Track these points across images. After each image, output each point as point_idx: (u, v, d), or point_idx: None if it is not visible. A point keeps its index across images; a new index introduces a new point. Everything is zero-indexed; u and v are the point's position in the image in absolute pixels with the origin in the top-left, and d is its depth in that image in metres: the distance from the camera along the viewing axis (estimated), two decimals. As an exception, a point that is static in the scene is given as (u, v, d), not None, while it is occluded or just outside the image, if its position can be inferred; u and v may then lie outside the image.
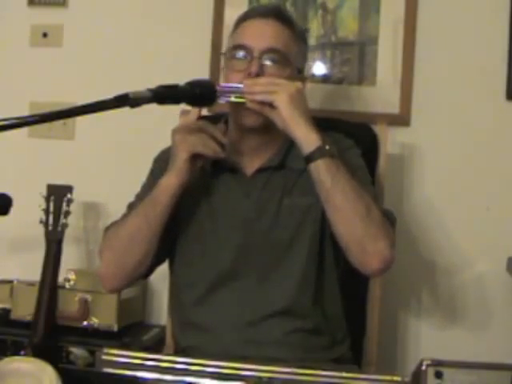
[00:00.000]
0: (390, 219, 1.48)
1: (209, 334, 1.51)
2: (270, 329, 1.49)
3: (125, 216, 1.55)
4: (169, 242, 1.56)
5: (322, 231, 1.53)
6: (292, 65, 1.51)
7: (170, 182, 1.46)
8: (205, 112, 1.57)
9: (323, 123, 1.49)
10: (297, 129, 1.40)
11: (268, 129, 1.49)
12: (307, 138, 1.40)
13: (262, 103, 1.42)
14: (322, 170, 1.39)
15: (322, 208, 1.46)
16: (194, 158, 1.46)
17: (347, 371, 0.95)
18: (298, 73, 1.55)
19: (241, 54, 1.50)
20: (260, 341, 1.48)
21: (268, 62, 1.48)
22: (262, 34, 1.50)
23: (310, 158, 1.40)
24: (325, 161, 1.39)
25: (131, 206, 1.58)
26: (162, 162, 1.57)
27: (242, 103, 1.43)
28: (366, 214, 1.40)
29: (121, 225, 1.52)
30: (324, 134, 1.44)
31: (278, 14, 1.53)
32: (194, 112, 1.48)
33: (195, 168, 1.47)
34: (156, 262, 1.56)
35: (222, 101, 1.43)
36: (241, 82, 1.44)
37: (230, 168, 1.56)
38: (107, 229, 1.56)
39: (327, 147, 1.40)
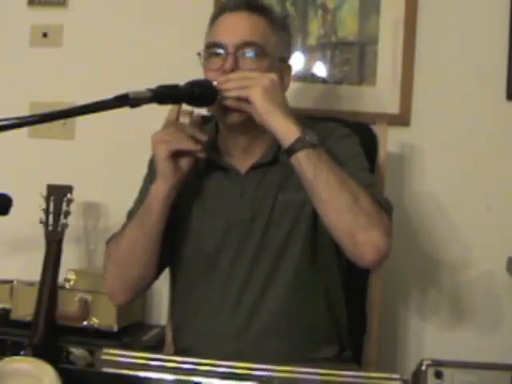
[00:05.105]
0: (384, 207, 1.41)
1: (206, 341, 1.50)
2: (268, 332, 1.48)
3: (123, 227, 1.54)
4: (170, 248, 1.54)
5: (314, 227, 1.50)
6: (270, 56, 1.47)
7: (159, 188, 1.44)
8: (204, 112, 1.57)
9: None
10: (274, 122, 1.36)
11: (255, 125, 1.42)
12: (286, 131, 1.36)
13: (239, 99, 1.38)
14: (303, 162, 1.34)
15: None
16: (176, 157, 1.43)
17: (347, 369, 0.95)
18: (281, 62, 1.52)
19: (216, 51, 1.46)
20: (258, 347, 1.47)
21: (244, 57, 1.44)
22: (235, 29, 1.46)
23: (290, 151, 1.35)
24: (305, 152, 1.34)
25: (130, 215, 1.57)
26: (154, 165, 1.55)
27: (219, 101, 1.40)
28: (353, 203, 1.33)
29: (120, 238, 1.51)
30: (314, 123, 1.42)
31: (251, 6, 1.49)
32: (172, 111, 1.44)
33: (181, 169, 1.44)
34: (161, 269, 1.56)
35: None
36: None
37: (223, 168, 1.54)
38: (108, 242, 1.56)
39: (307, 137, 1.35)
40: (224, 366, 0.93)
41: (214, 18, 1.52)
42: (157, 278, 1.57)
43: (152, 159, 1.57)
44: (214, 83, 1.39)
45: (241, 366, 0.93)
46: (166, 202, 1.45)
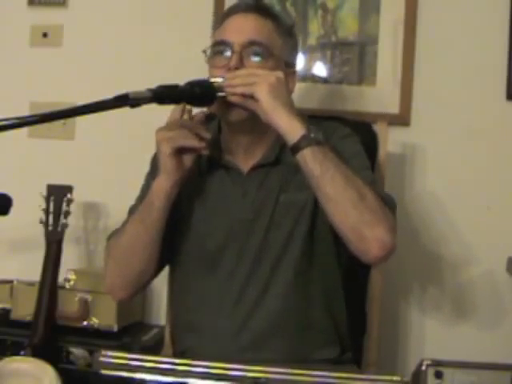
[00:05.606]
0: (388, 204, 1.42)
1: (206, 338, 1.50)
2: (267, 330, 1.48)
3: (124, 223, 1.54)
4: (171, 245, 1.54)
5: (313, 227, 1.51)
6: (275, 57, 1.48)
7: (162, 184, 1.44)
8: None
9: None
10: (279, 119, 1.36)
11: (258, 124, 1.43)
12: (291, 128, 1.36)
13: (244, 96, 1.38)
14: (308, 159, 1.34)
15: (314, 203, 1.44)
16: (180, 154, 1.43)
17: (346, 371, 0.95)
18: (287, 66, 1.52)
19: (221, 49, 1.47)
20: (257, 345, 1.47)
21: (249, 56, 1.45)
22: (242, 29, 1.48)
23: (296, 148, 1.35)
24: (311, 149, 1.34)
25: (131, 211, 1.57)
26: (157, 162, 1.55)
27: (224, 97, 1.40)
28: (360, 200, 1.34)
29: (121, 234, 1.51)
30: (315, 122, 1.42)
31: (260, 9, 1.51)
32: (176, 110, 1.45)
33: (184, 166, 1.44)
34: (161, 266, 1.56)
35: None
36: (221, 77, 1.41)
37: (225, 166, 1.54)
38: (109, 238, 1.56)
39: (312, 135, 1.35)
40: (219, 367, 0.93)
41: (223, 19, 1.54)
42: (157, 275, 1.56)
43: (154, 157, 1.57)
44: (220, 80, 1.40)
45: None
46: (167, 199, 1.45)
